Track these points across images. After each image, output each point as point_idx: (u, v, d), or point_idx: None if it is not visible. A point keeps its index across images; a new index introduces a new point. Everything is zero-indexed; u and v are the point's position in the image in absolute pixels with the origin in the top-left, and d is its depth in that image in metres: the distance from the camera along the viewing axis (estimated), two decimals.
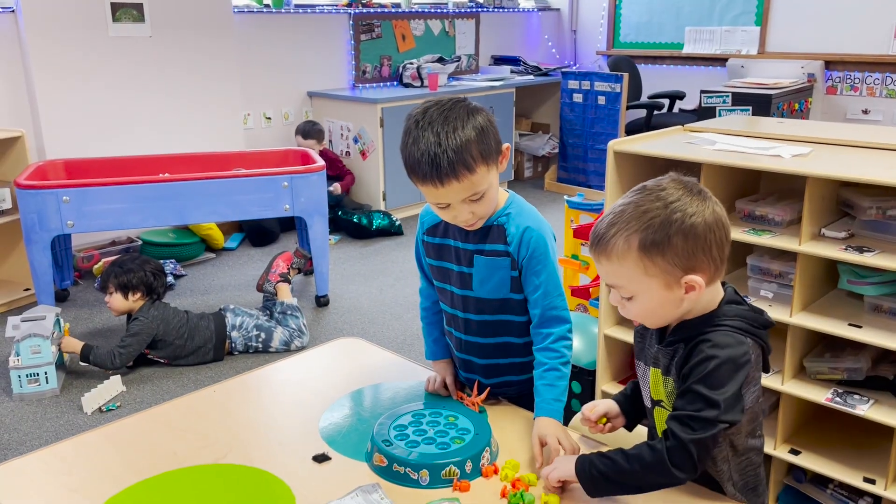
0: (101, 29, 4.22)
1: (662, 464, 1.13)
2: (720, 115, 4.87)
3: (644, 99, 6.02)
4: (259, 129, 5.11)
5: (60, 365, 3.08)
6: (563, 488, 1.25)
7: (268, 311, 3.46)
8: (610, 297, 1.26)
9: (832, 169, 1.88)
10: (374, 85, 5.73)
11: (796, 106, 5.34)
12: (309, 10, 5.28)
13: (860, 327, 1.88)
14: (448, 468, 1.29)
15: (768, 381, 2.03)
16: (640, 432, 1.45)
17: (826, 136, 2.22)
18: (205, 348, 3.17)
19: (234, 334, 3.24)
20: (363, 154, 5.18)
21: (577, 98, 5.81)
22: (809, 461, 2.01)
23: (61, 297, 3.83)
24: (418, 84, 5.62)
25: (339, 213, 4.88)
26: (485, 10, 6.48)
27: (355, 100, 5.16)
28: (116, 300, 3.10)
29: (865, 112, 5.62)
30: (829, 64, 5.64)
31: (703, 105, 5.12)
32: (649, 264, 1.15)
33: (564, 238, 3.17)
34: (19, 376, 2.86)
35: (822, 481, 2.09)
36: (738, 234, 2.01)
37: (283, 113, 5.24)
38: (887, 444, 1.88)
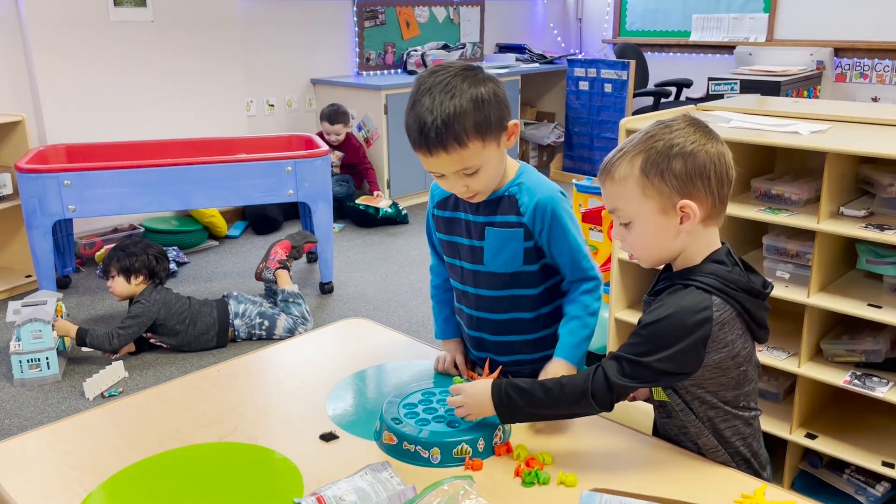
0: (103, 13, 4.16)
1: (587, 402, 1.20)
2: None
3: (651, 87, 5.96)
4: (262, 116, 5.06)
5: (62, 350, 3.04)
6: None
7: (271, 299, 3.42)
8: (612, 231, 1.27)
9: (852, 144, 1.83)
10: (378, 72, 5.68)
11: (805, 93, 5.28)
12: None
13: (880, 307, 1.83)
14: (460, 446, 1.25)
15: (784, 363, 1.98)
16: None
17: (844, 114, 2.17)
18: (207, 335, 3.13)
19: (237, 322, 3.20)
20: (367, 141, 5.13)
21: (583, 86, 5.75)
22: (826, 445, 1.97)
23: (63, 284, 3.79)
24: None
25: (346, 201, 4.84)
26: None
27: (359, 87, 5.11)
28: (119, 284, 3.06)
29: (875, 100, 5.55)
30: (839, 51, 5.58)
31: (710, 93, 5.06)
32: (647, 185, 1.17)
33: None
34: (20, 361, 2.82)
35: (838, 466, 2.05)
36: (754, 213, 1.97)
37: (286, 100, 5.19)
38: None
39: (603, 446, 1.30)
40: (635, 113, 5.63)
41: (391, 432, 1.28)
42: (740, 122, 2.10)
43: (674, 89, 5.85)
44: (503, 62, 6.18)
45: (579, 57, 6.26)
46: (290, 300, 3.33)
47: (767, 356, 1.99)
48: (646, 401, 1.43)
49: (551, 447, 1.28)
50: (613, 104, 5.60)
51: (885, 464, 1.88)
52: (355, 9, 5.45)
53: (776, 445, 2.15)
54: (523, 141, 6.31)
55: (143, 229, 4.29)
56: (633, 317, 2.27)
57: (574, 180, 3.16)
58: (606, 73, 5.63)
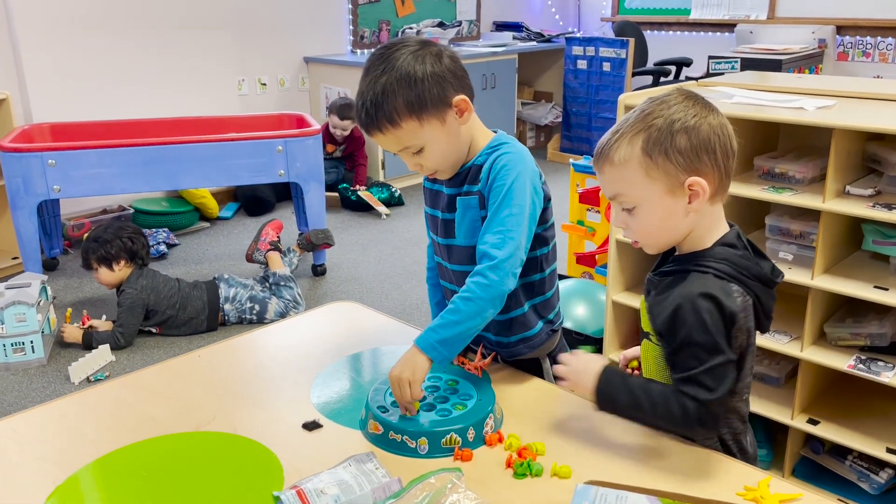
0: None
1: (689, 424, 1.11)
2: None
3: (650, 66, 5.86)
4: (254, 95, 4.96)
5: (48, 333, 2.98)
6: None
7: (263, 283, 3.35)
8: (613, 219, 1.20)
9: (860, 120, 1.75)
10: (373, 50, 5.55)
11: (807, 72, 5.19)
12: None
13: (886, 290, 1.77)
14: (449, 436, 1.19)
15: (786, 347, 1.92)
16: None
17: (850, 90, 2.09)
18: (197, 319, 3.07)
19: (228, 307, 3.13)
20: None
21: (581, 65, 5.65)
22: (829, 431, 1.91)
23: (50, 266, 3.72)
24: None
25: (340, 185, 4.75)
26: None
27: (353, 65, 5.00)
28: (103, 275, 2.99)
29: (878, 78, 5.46)
30: (841, 29, 5.48)
31: (710, 71, 4.97)
32: (652, 165, 1.10)
33: (570, 204, 3.06)
34: (3, 345, 2.76)
35: (840, 452, 2.00)
36: (757, 192, 1.90)
37: (278, 79, 5.09)
38: None
39: (597, 434, 1.24)
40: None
41: (377, 421, 1.22)
42: (743, 97, 2.02)
43: (673, 68, 5.76)
44: (500, 40, 6.08)
45: (577, 35, 6.15)
46: (282, 283, 3.27)
47: (769, 340, 1.93)
48: None
49: (544, 436, 1.22)
50: (612, 83, 5.50)
51: (889, 450, 1.83)
52: None
53: (777, 431, 2.10)
54: (521, 121, 6.22)
55: (132, 210, 4.21)
56: (631, 299, 2.21)
57: (571, 160, 3.09)
58: (605, 52, 5.53)
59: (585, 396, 1.21)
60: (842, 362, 1.85)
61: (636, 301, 2.21)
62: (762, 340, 1.91)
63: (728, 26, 5.98)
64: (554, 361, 1.49)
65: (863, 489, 1.94)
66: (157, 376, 1.46)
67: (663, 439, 1.22)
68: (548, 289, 1.43)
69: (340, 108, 4.68)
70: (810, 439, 2.03)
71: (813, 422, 1.94)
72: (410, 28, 5.56)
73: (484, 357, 1.42)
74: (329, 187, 4.61)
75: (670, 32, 6.34)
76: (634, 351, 1.38)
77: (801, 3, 5.66)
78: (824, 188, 1.79)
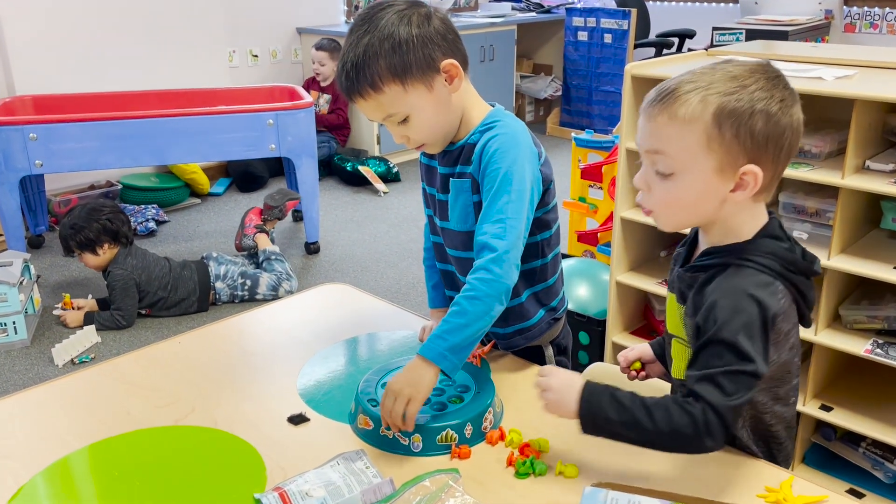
0: None
1: (696, 433, 0.94)
2: None
3: (652, 37, 5.72)
4: (245, 67, 4.82)
5: (31, 314, 2.88)
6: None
7: (254, 259, 3.26)
8: (636, 177, 1.05)
9: (884, 92, 1.65)
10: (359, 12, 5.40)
11: (813, 44, 5.06)
12: None
13: None
14: (445, 432, 1.10)
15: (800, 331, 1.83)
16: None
17: (870, 59, 1.98)
18: (188, 301, 2.97)
19: (219, 285, 3.04)
20: None
21: (582, 36, 5.50)
22: (842, 418, 1.84)
23: (36, 244, 3.61)
24: None
25: (333, 158, 4.63)
26: None
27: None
28: (88, 259, 2.89)
29: None
30: (848, 0, 5.34)
31: (714, 43, 4.84)
32: (717, 137, 0.96)
33: (571, 179, 2.95)
34: None
35: (853, 439, 1.92)
36: None
37: (270, 50, 4.94)
38: None
39: None
40: None
41: (367, 416, 1.13)
42: None
43: (676, 40, 5.62)
44: (498, 11, 5.92)
45: (578, 6, 5.99)
46: (273, 258, 3.18)
47: None
48: (660, 378, 1.27)
49: (548, 431, 1.13)
50: (613, 55, 5.36)
51: None
52: None
53: None
54: (519, 95, 6.08)
55: (120, 186, 4.09)
56: (636, 280, 2.12)
57: (573, 134, 2.97)
58: (606, 23, 5.38)
59: (566, 417, 1.02)
60: (857, 347, 1.76)
61: (641, 282, 2.11)
62: None
63: None
64: (558, 348, 1.41)
65: (876, 477, 1.87)
66: (135, 364, 1.37)
67: None
68: (550, 275, 1.33)
69: (327, 40, 4.73)
70: (821, 425, 1.95)
71: (826, 408, 1.86)
72: None
73: (483, 344, 1.33)
74: (321, 163, 4.51)
75: (673, 3, 6.18)
76: (637, 352, 1.26)
77: None
78: (843, 163, 1.69)
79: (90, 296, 3.02)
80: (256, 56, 4.87)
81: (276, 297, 3.09)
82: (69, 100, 3.57)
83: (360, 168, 4.49)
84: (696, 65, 1.97)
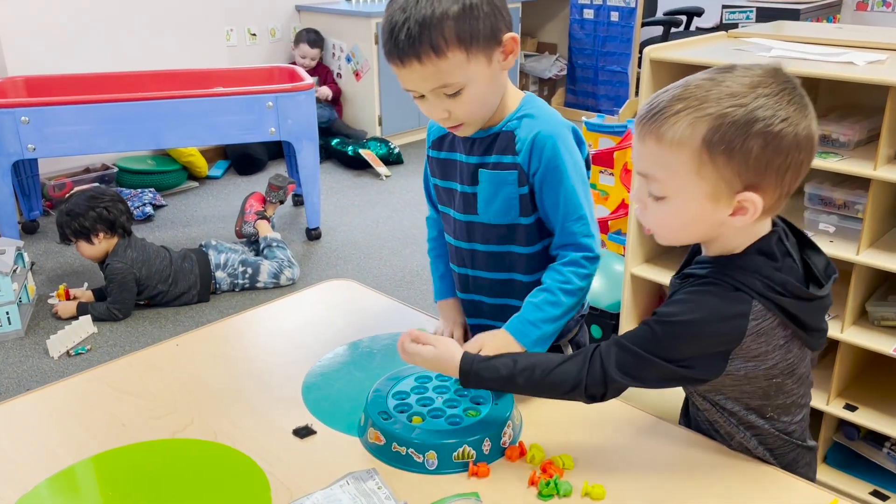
0: None
1: (578, 389, 0.99)
2: None
3: (660, 15, 5.58)
4: (243, 46, 4.70)
5: (26, 303, 2.81)
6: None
7: (254, 246, 3.17)
8: (632, 192, 1.00)
9: None
10: None
11: (824, 22, 4.94)
12: None
13: None
14: (461, 449, 1.02)
15: None
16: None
17: None
18: (189, 293, 2.89)
19: (219, 274, 2.95)
20: (357, 75, 4.79)
21: (588, 14, 5.37)
22: (867, 418, 1.77)
23: (30, 229, 3.53)
24: None
25: (332, 142, 4.52)
26: None
27: (348, 14, 4.74)
28: (84, 248, 2.79)
29: None
30: None
31: (724, 22, 4.72)
32: (707, 164, 0.89)
33: None
34: None
35: (877, 439, 1.85)
36: None
37: (269, 29, 4.82)
38: None
39: (633, 446, 1.08)
40: (643, 43, 5.28)
41: (378, 430, 1.06)
42: (783, 50, 1.82)
43: (684, 18, 5.49)
44: None
45: None
46: (274, 245, 3.09)
47: None
48: None
49: (572, 447, 1.06)
50: (620, 34, 5.24)
51: None
52: None
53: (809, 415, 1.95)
54: (523, 74, 5.95)
55: (116, 170, 4.00)
56: (651, 272, 2.04)
57: (584, 118, 2.88)
58: (613, 0, 5.25)
59: (449, 371, 1.06)
60: (885, 345, 1.69)
61: (657, 274, 2.03)
62: None
63: None
64: (576, 346, 1.33)
65: None
66: (129, 369, 1.29)
67: (704, 449, 1.06)
68: None
69: (312, 34, 4.66)
70: (844, 424, 1.89)
71: (850, 407, 1.79)
72: None
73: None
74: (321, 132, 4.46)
75: None
76: None
77: None
78: (875, 153, 1.60)
79: (86, 285, 2.94)
80: (255, 35, 4.75)
81: (277, 285, 3.02)
82: (62, 81, 3.45)
83: (361, 152, 4.39)
84: (714, 48, 1.85)
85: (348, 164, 4.49)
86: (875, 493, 1.80)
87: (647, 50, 1.83)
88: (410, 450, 1.03)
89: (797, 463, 1.07)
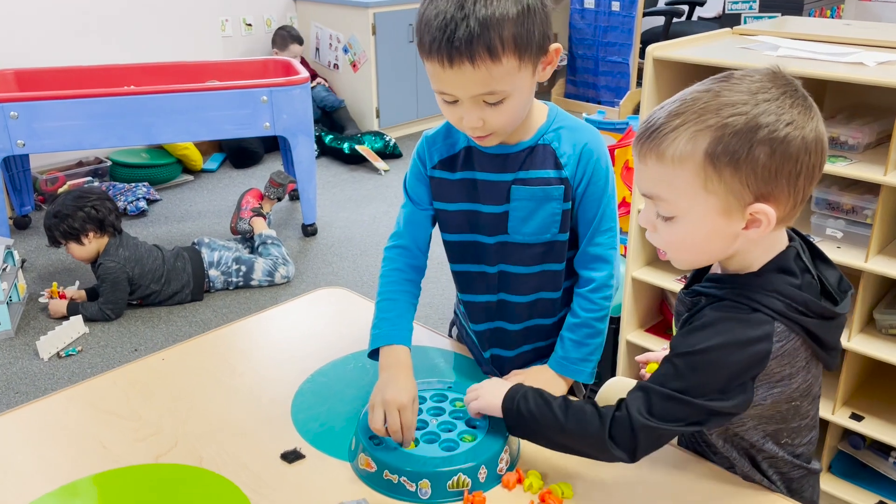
0: None
1: (602, 441, 0.92)
2: (745, 23, 4.42)
3: (661, 5, 5.50)
4: (238, 37, 4.62)
5: (16, 302, 2.76)
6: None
7: (248, 243, 3.12)
8: (640, 215, 0.94)
9: None
10: None
11: (828, 13, 4.86)
12: None
13: None
14: (456, 477, 0.98)
15: None
16: None
17: None
18: (182, 293, 2.84)
19: (213, 272, 2.90)
20: (354, 66, 4.72)
21: (589, 3, 5.29)
22: (873, 428, 1.72)
23: (22, 225, 3.47)
24: None
25: (326, 138, 4.44)
26: None
27: (345, 4, 4.65)
28: (74, 249, 2.73)
29: None
30: None
31: (726, 12, 4.66)
32: (713, 177, 0.84)
33: None
34: None
35: (883, 448, 1.81)
36: None
37: (265, 19, 4.74)
38: None
39: (636, 473, 1.03)
40: (644, 34, 5.20)
41: (369, 456, 1.01)
42: (790, 49, 1.76)
43: (686, 8, 5.41)
44: None
45: None
46: (269, 242, 3.05)
47: None
48: None
49: (571, 474, 1.02)
50: (621, 24, 5.16)
51: None
52: None
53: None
54: None
55: (109, 163, 3.94)
56: (653, 276, 1.99)
57: (584, 114, 2.82)
58: None
59: (492, 411, 1.02)
60: (893, 354, 1.65)
61: (659, 278, 1.99)
62: None
63: None
64: None
65: None
66: (113, 387, 1.25)
67: (714, 479, 1.01)
68: None
69: (293, 31, 4.58)
70: (849, 433, 1.85)
71: (857, 417, 1.75)
72: None
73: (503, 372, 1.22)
74: (327, 115, 4.47)
75: None
76: (658, 355, 1.16)
77: None
78: (886, 158, 1.55)
79: (78, 283, 2.89)
80: (250, 25, 4.67)
81: (272, 283, 2.97)
82: (53, 74, 3.40)
83: (358, 148, 4.33)
84: (718, 46, 1.80)
85: (344, 160, 4.43)
86: None
87: (650, 49, 1.78)
88: (403, 478, 0.98)
89: (802, 488, 1.03)
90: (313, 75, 4.77)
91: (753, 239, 0.88)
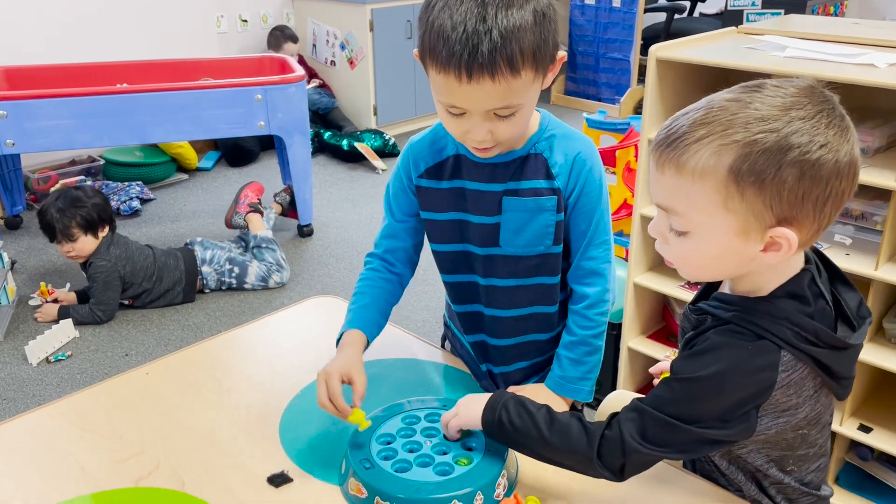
0: None
1: (589, 459, 0.89)
2: (748, 20, 4.36)
3: (663, 2, 5.44)
4: (234, 33, 4.56)
5: (6, 305, 2.71)
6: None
7: (242, 243, 3.07)
8: (651, 225, 0.88)
9: None
10: None
11: (832, 9, 4.81)
12: None
13: None
14: None
15: None
16: None
17: None
18: (173, 291, 2.79)
19: (206, 269, 2.86)
20: (351, 63, 4.66)
21: (589, 0, 5.24)
22: (882, 440, 1.68)
23: (13, 225, 3.42)
24: None
25: (325, 134, 4.39)
26: None
27: (342, 0, 4.60)
28: (66, 248, 2.64)
29: None
30: None
31: (728, 8, 4.59)
32: (735, 196, 0.78)
33: None
34: None
35: (891, 460, 1.77)
36: None
37: (260, 15, 4.68)
38: None
39: (634, 493, 0.99)
40: (645, 30, 5.15)
41: (359, 481, 0.96)
42: (798, 50, 1.71)
43: (688, 4, 5.36)
44: None
45: None
46: (264, 245, 2.99)
47: None
48: None
49: (572, 497, 0.97)
50: (622, 20, 5.10)
51: None
52: None
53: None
54: None
55: (102, 162, 3.88)
56: (655, 282, 1.94)
57: (585, 113, 2.77)
58: None
59: (472, 424, 0.98)
60: None
61: (661, 284, 1.94)
62: None
63: None
64: None
65: None
66: (94, 403, 1.20)
67: (714, 500, 0.97)
68: None
69: (287, 29, 4.54)
70: (857, 444, 1.80)
71: (865, 428, 1.70)
72: None
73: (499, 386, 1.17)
74: (321, 118, 4.43)
75: None
76: (666, 363, 1.11)
77: None
78: None
79: (68, 285, 2.84)
80: (246, 21, 4.61)
81: (265, 288, 2.92)
82: (43, 71, 3.34)
83: (357, 145, 4.27)
84: (723, 47, 1.73)
85: (342, 157, 4.37)
86: None
87: (653, 49, 1.72)
88: None
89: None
90: (312, 74, 4.71)
91: (770, 263, 0.82)
